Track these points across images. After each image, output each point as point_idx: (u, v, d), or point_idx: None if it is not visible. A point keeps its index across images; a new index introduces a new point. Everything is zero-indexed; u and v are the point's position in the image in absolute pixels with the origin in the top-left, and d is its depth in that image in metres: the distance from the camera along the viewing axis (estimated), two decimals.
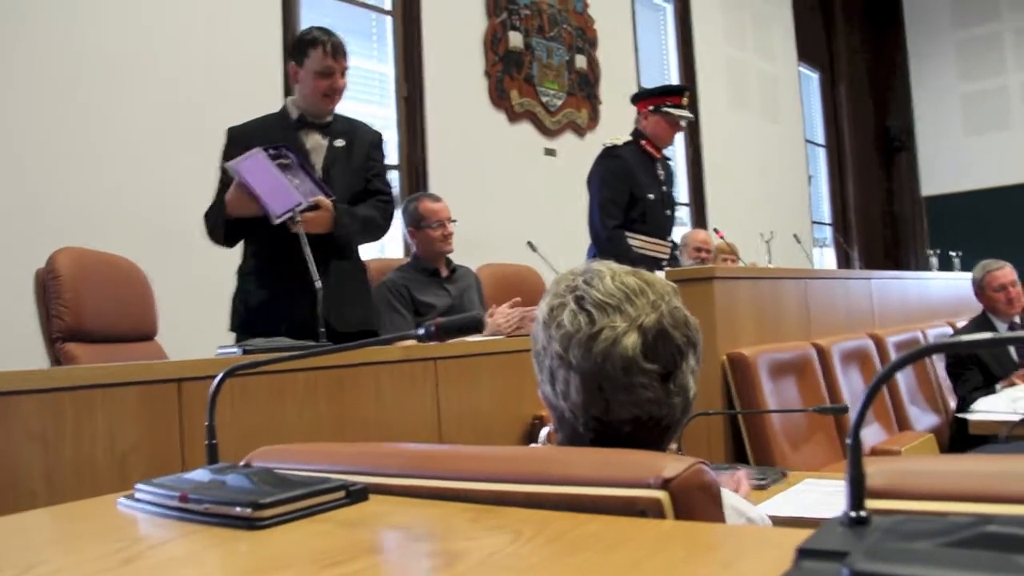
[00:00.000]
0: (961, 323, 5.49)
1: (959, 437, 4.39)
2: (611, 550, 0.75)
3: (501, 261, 4.78)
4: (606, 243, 4.31)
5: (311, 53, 3.17)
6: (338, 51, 3.20)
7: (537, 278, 4.77)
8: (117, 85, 4.16)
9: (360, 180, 3.33)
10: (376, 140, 3.45)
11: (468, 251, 4.22)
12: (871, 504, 0.73)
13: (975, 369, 4.55)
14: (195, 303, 3.92)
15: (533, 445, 1.31)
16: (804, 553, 0.64)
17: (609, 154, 4.43)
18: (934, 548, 0.59)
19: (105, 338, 3.14)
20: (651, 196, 4.37)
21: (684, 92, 4.51)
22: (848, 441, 0.69)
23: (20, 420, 1.89)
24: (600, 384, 1.23)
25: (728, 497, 1.27)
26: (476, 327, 1.18)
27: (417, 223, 3.99)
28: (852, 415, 0.69)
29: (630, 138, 4.49)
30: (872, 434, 4.18)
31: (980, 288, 4.76)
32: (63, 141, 3.94)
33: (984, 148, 10.51)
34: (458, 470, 1.02)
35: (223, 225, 3.08)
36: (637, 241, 4.34)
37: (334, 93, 3.23)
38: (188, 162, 4.28)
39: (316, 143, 3.26)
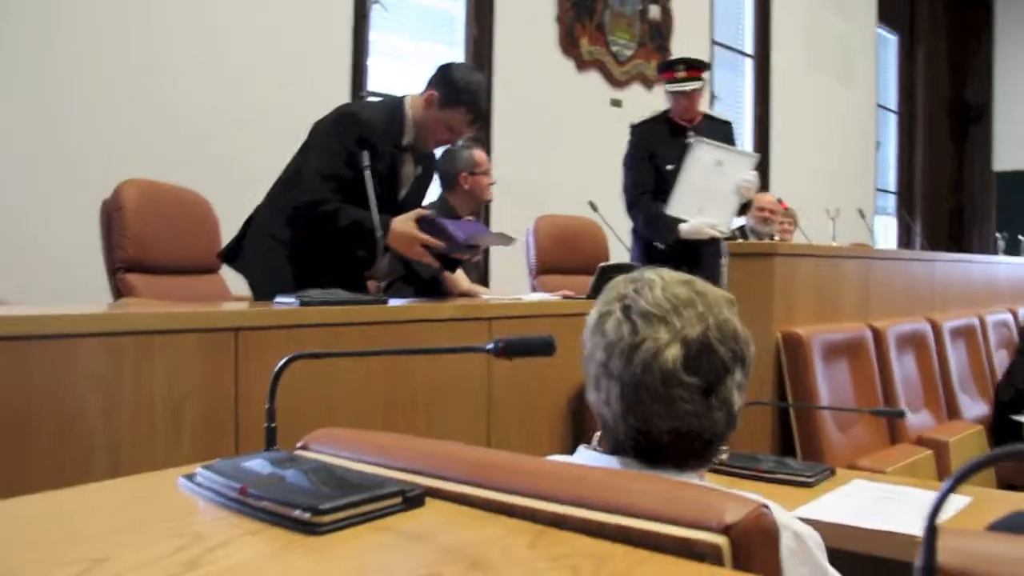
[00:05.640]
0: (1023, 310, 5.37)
1: (1006, 429, 4.29)
2: None
3: (560, 212, 4.75)
4: (631, 211, 4.36)
5: (460, 109, 3.04)
6: (481, 122, 3.19)
7: (599, 233, 4.72)
8: (195, 20, 4.16)
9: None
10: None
11: (527, 200, 4.19)
12: None
13: None
14: None
15: (583, 447, 1.32)
16: None
17: (631, 130, 4.50)
18: None
19: (167, 270, 3.18)
20: (670, 167, 4.31)
21: (675, 65, 4.48)
22: (923, 530, 0.68)
23: (82, 361, 1.93)
24: (639, 395, 1.22)
25: (776, 513, 1.26)
26: (549, 351, 1.17)
27: (471, 168, 3.96)
28: (920, 529, 0.67)
29: (660, 112, 4.51)
30: (920, 420, 4.13)
31: None
32: (137, 76, 3.95)
33: None
34: (517, 483, 1.02)
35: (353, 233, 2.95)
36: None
37: (443, 145, 3.25)
38: (258, 97, 4.29)
39: (408, 172, 3.19)
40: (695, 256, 4.01)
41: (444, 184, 4.03)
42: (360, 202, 2.88)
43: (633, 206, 4.36)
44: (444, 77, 3.07)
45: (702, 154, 4.19)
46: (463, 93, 3.03)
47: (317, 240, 2.96)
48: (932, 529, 0.68)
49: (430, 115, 3.05)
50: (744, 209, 4.57)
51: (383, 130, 3.01)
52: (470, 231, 3.04)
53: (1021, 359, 4.51)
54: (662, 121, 4.48)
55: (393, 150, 3.05)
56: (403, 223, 2.89)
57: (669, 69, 4.50)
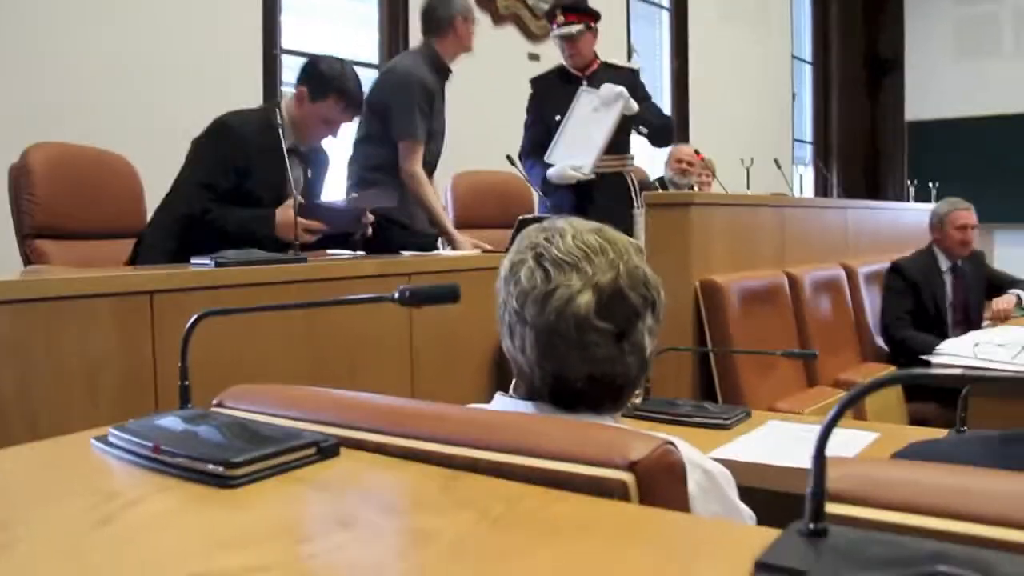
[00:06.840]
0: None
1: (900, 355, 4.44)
2: (574, 539, 0.78)
3: (479, 168, 4.73)
4: (522, 165, 4.34)
5: (330, 98, 3.05)
6: (356, 109, 3.16)
7: (519, 186, 4.68)
8: None
9: None
10: (327, 164, 3.42)
11: (445, 156, 4.16)
12: (832, 508, 0.76)
13: (909, 297, 4.58)
14: None
15: (499, 394, 1.34)
16: (762, 567, 0.67)
17: (530, 83, 4.58)
18: None
19: (83, 235, 3.11)
20: (557, 117, 4.33)
21: (554, 11, 4.55)
22: (811, 457, 0.71)
23: None
24: (553, 341, 1.25)
25: (683, 449, 1.30)
26: (454, 298, 1.18)
27: (466, 13, 3.99)
28: (820, 427, 0.70)
29: (557, 65, 4.55)
30: (837, 363, 4.24)
31: (940, 222, 4.73)
32: (42, 33, 3.83)
33: (973, 75, 10.38)
34: (430, 430, 1.03)
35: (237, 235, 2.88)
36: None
37: (324, 138, 3.21)
38: (168, 57, 4.20)
39: (297, 176, 3.12)
40: (596, 206, 3.99)
41: (434, 28, 3.95)
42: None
43: (521, 160, 4.36)
44: (310, 71, 3.10)
45: (583, 102, 4.22)
46: (330, 81, 3.05)
47: (208, 248, 2.88)
48: (821, 454, 0.71)
49: (303, 111, 3.08)
50: (622, 134, 4.40)
51: (259, 135, 2.97)
52: (350, 200, 3.05)
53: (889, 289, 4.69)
54: (556, 73, 4.50)
55: (274, 156, 2.94)
56: (283, 212, 2.90)
57: (551, 16, 4.53)
